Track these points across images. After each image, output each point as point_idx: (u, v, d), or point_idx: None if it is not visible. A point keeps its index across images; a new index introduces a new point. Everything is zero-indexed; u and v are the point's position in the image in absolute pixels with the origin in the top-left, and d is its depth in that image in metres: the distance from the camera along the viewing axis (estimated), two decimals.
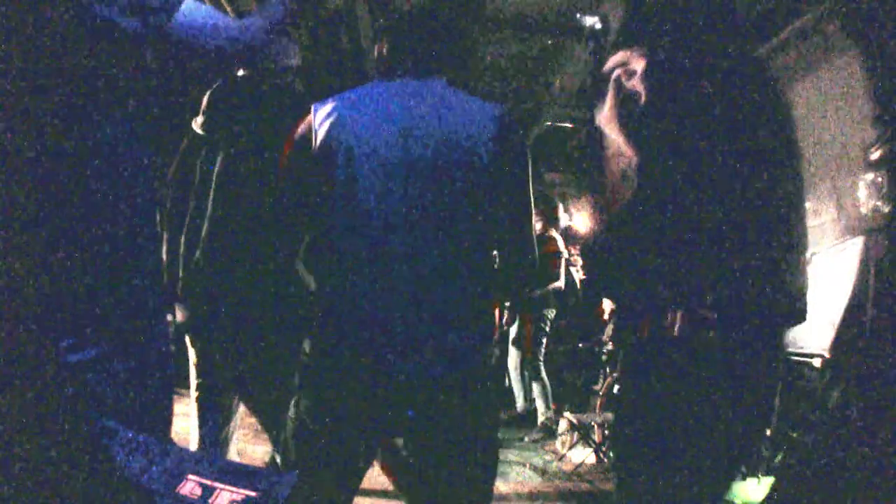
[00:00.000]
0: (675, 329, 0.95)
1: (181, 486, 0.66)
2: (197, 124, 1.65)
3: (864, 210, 2.36)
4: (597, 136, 1.03)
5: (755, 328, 0.97)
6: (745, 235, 0.96)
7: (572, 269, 4.36)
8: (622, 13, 1.14)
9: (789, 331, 1.04)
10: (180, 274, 1.62)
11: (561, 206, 4.27)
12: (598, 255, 1.12)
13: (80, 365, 0.92)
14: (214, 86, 1.67)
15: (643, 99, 0.97)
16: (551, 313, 4.24)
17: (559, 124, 5.67)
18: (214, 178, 1.58)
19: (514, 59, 4.76)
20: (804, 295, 1.01)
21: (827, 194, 2.81)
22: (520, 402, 4.36)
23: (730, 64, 1.02)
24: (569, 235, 4.70)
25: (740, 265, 0.94)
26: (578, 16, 1.43)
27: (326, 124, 1.13)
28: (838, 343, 2.09)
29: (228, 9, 3.31)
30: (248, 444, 3.62)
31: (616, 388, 3.63)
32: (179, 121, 1.71)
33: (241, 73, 1.71)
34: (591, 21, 1.39)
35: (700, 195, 0.95)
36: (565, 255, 4.27)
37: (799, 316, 1.01)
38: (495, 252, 1.21)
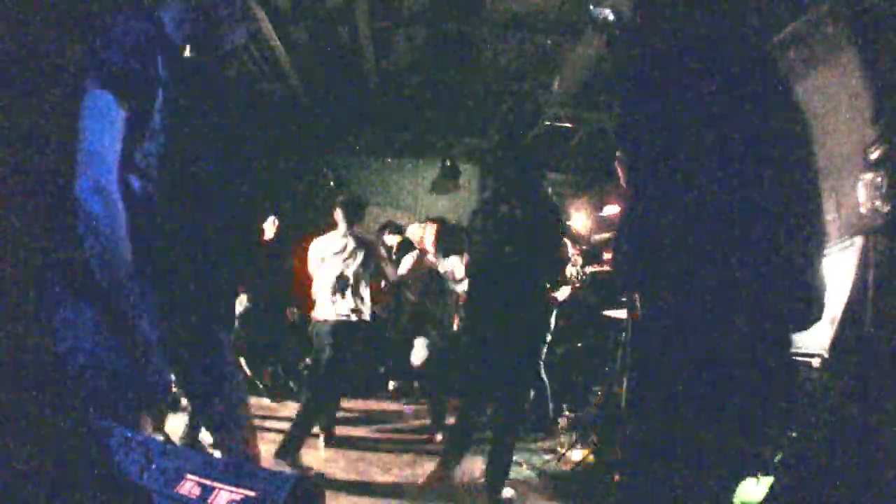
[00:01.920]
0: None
1: (180, 485, 0.66)
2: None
3: (863, 210, 2.36)
4: (621, 132, 1.03)
5: (770, 328, 0.96)
6: (759, 233, 0.95)
7: (573, 270, 4.37)
8: (631, 7, 1.14)
9: (803, 325, 1.03)
10: None
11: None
12: (623, 252, 1.11)
13: (64, 328, 0.98)
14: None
15: (657, 95, 0.96)
16: (553, 315, 4.24)
17: (558, 124, 5.67)
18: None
19: (514, 59, 4.76)
20: (821, 293, 1.00)
21: (826, 194, 2.81)
22: None
23: (741, 58, 1.01)
24: (569, 235, 4.70)
25: (756, 263, 0.94)
26: (592, 7, 1.44)
27: None
28: (838, 343, 2.09)
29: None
30: None
31: (618, 387, 3.62)
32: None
33: (187, 52, 1.70)
34: (605, 13, 1.39)
35: (713, 192, 0.94)
36: (573, 259, 4.28)
37: (814, 313, 1.01)
38: None
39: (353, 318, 3.37)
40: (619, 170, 1.23)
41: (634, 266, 1.04)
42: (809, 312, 1.01)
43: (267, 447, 3.61)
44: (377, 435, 4.02)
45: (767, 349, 0.98)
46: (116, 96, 1.05)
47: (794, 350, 1.07)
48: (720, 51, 1.01)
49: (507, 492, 2.86)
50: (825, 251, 1.04)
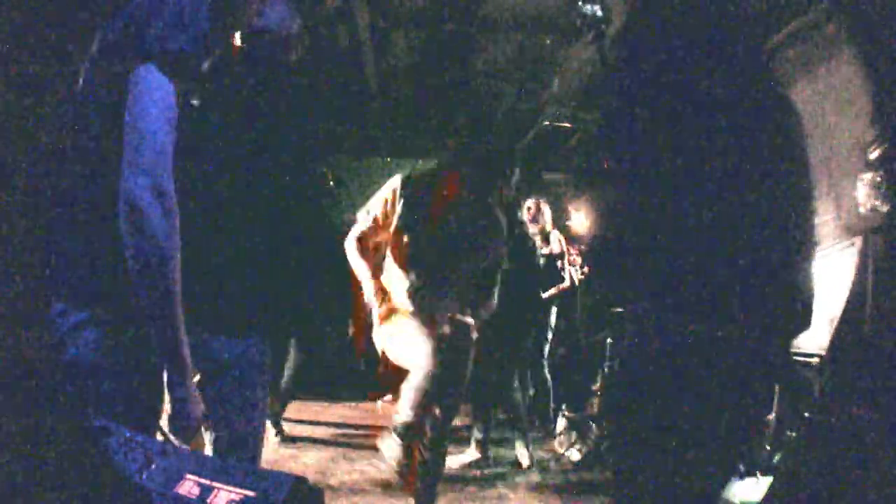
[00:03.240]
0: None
1: (179, 485, 0.66)
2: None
3: (862, 210, 2.35)
4: (603, 133, 1.03)
5: (756, 330, 0.96)
6: (749, 237, 0.95)
7: (572, 270, 4.36)
8: (625, 7, 1.14)
9: (792, 335, 1.03)
10: None
11: (547, 207, 4.26)
12: (601, 255, 1.11)
13: (69, 331, 0.93)
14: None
15: (646, 96, 0.96)
16: (554, 313, 4.24)
17: (558, 124, 5.67)
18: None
19: (513, 59, 4.76)
20: (810, 301, 1.00)
21: (825, 194, 2.81)
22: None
23: (735, 61, 1.01)
24: (569, 235, 4.71)
25: (744, 267, 0.94)
26: (580, 3, 1.44)
27: None
28: (838, 343, 2.09)
29: None
30: None
31: (613, 387, 3.63)
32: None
33: (238, 42, 1.70)
34: (593, 9, 1.40)
35: (703, 195, 0.95)
36: (566, 255, 4.28)
37: (803, 322, 1.00)
38: None
39: None
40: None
41: (617, 268, 1.04)
42: (797, 320, 1.01)
43: (266, 447, 3.61)
44: (377, 434, 4.01)
45: (754, 352, 0.98)
46: (175, 83, 0.92)
47: (786, 352, 1.07)
48: (712, 53, 1.01)
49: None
50: (816, 256, 1.03)
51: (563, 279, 4.20)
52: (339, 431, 3.86)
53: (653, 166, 0.97)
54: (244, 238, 1.51)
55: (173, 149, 0.92)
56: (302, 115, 1.57)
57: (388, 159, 7.34)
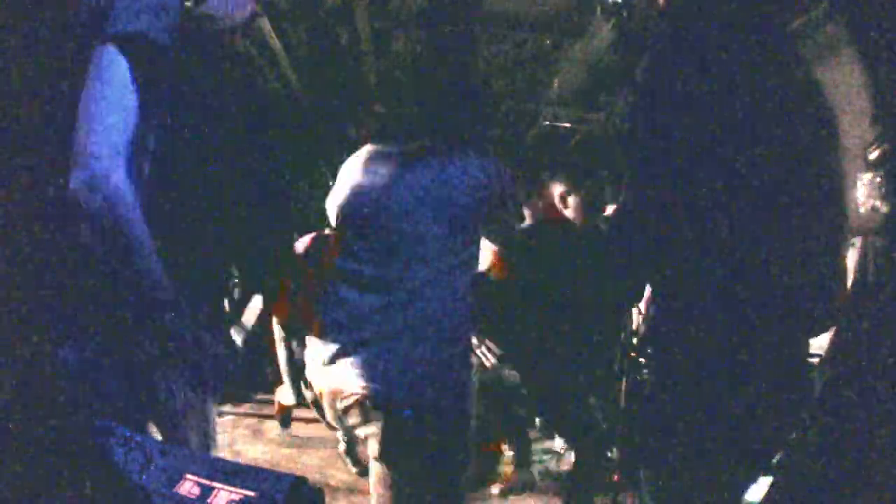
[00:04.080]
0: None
1: (179, 485, 0.66)
2: None
3: (862, 210, 2.35)
4: (628, 118, 1.00)
5: (784, 328, 0.95)
6: (775, 229, 0.93)
7: None
8: None
9: (824, 328, 1.00)
10: None
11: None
12: (628, 247, 1.07)
13: (70, 328, 0.93)
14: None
15: (670, 79, 0.94)
16: None
17: (557, 124, 5.67)
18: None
19: (512, 59, 4.76)
20: (836, 294, 0.98)
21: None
22: None
23: (761, 42, 0.98)
24: None
25: (781, 259, 0.92)
26: None
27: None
28: (838, 343, 2.08)
29: None
30: (247, 445, 3.62)
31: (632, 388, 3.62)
32: None
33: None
34: None
35: (737, 183, 0.92)
36: None
37: (831, 319, 0.99)
38: None
39: None
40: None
41: (640, 259, 1.02)
42: (831, 312, 0.99)
43: (266, 447, 3.61)
44: None
45: (781, 350, 0.96)
46: (131, 66, 0.87)
47: (809, 351, 1.05)
48: (737, 36, 0.98)
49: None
50: (844, 250, 1.01)
51: None
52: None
53: (683, 155, 0.94)
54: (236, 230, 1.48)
55: (137, 130, 0.88)
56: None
57: None
